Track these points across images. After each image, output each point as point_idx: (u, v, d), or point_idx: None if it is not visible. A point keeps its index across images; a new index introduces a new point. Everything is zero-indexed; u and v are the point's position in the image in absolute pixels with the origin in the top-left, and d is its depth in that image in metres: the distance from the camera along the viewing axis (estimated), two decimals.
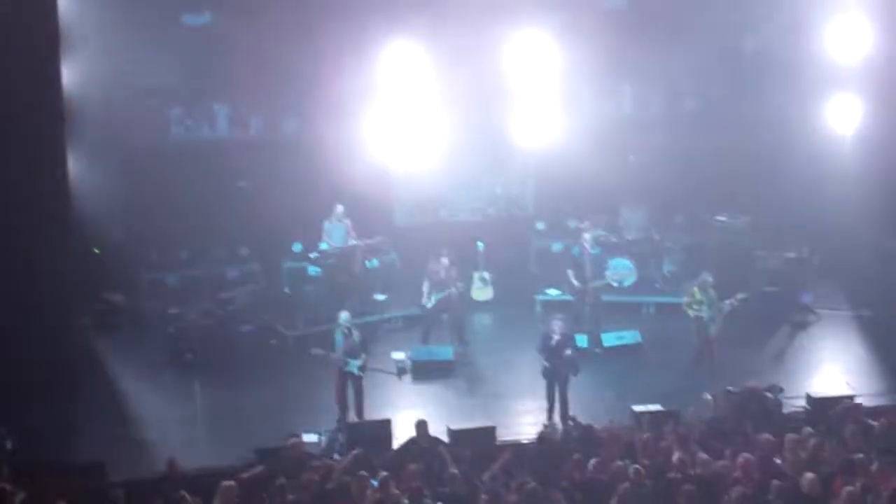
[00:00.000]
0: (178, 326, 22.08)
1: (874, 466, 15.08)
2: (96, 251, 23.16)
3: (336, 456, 17.17)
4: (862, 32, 24.17)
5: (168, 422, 19.38)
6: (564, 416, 19.40)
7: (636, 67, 27.19)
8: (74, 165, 20.74)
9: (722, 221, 24.82)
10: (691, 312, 20.71)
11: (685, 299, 20.90)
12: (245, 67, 24.06)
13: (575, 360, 19.61)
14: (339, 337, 19.20)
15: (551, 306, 23.04)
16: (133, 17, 22.82)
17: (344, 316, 19.41)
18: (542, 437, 17.19)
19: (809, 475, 14.54)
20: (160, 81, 24.74)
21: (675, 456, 15.59)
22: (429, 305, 22.32)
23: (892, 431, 16.70)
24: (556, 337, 19.49)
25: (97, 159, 22.85)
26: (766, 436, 16.12)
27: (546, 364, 19.51)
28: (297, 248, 24.57)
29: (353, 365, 19.06)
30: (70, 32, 20.19)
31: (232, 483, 14.78)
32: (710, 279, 20.61)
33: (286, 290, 24.41)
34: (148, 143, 24.28)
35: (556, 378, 19.55)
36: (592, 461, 15.32)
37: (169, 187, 23.38)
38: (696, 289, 20.76)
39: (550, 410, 19.58)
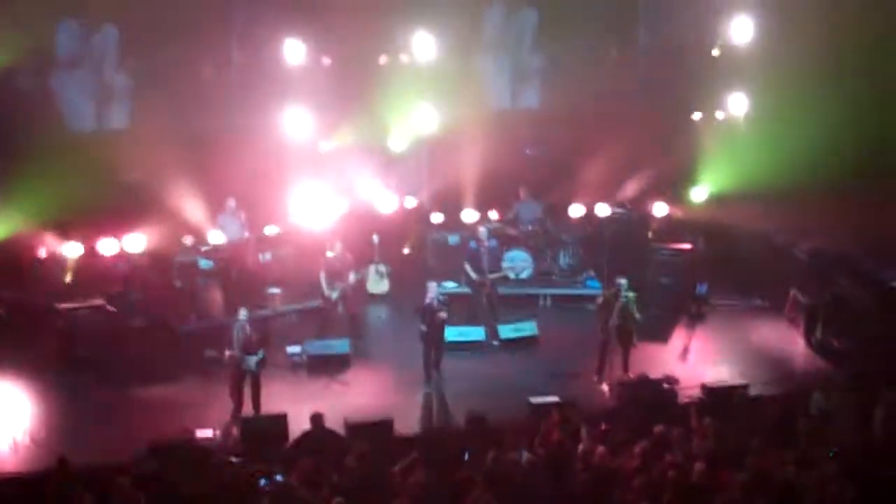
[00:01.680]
0: (68, 322, 21.64)
1: (765, 454, 15.21)
2: None
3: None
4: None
5: (58, 418, 18.99)
6: (432, 377, 20.22)
7: (536, 61, 27.40)
8: None
9: (618, 213, 24.90)
10: (603, 314, 20.36)
11: (599, 300, 20.65)
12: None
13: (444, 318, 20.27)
14: (237, 333, 18.95)
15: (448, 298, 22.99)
16: None
17: (243, 313, 19.18)
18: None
19: (699, 465, 14.65)
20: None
21: (572, 446, 15.67)
22: (333, 296, 22.13)
23: (783, 419, 16.95)
24: (428, 296, 20.08)
25: None
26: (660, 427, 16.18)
27: (422, 328, 20.08)
28: (188, 241, 24.22)
29: (251, 361, 18.83)
30: None
31: (125, 479, 14.57)
32: (625, 282, 20.14)
33: (177, 283, 24.06)
34: (43, 132, 23.79)
35: (430, 341, 20.11)
36: (490, 453, 15.25)
37: (62, 179, 22.86)
38: (609, 293, 20.35)
39: (428, 374, 20.16)
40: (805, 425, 16.61)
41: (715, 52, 26.33)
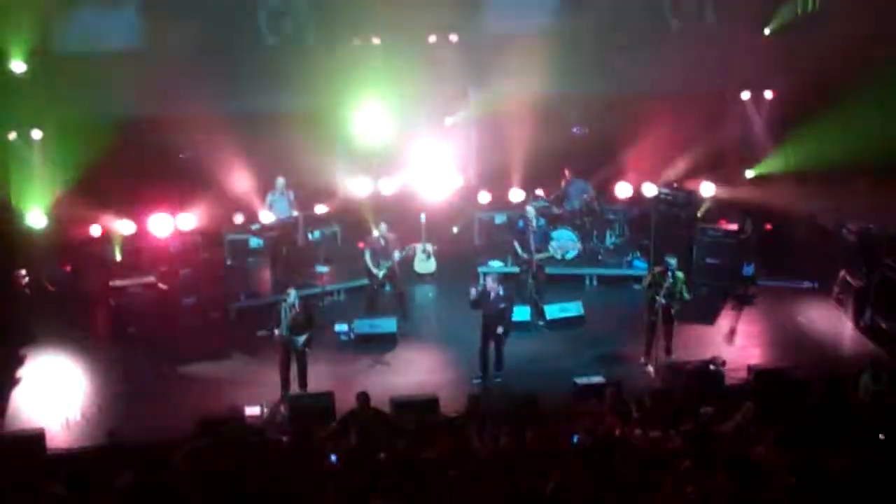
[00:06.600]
0: (119, 299, 21.86)
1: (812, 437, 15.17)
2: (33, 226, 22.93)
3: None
4: None
5: (109, 394, 19.26)
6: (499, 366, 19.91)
7: (579, 44, 27.32)
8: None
9: (665, 193, 24.82)
10: (650, 293, 20.23)
11: (647, 279, 20.64)
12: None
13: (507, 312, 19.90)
14: (285, 313, 19.08)
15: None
16: None
17: (292, 294, 19.28)
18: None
19: (760, 448, 14.63)
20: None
21: (617, 428, 15.68)
22: (380, 275, 22.24)
23: (832, 402, 16.88)
24: (478, 288, 19.88)
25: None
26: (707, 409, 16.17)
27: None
28: (238, 219, 24.41)
29: (299, 341, 18.98)
30: None
31: (178, 456, 14.78)
32: (674, 261, 20.02)
33: (228, 261, 24.27)
34: (90, 114, 23.95)
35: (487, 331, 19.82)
36: (529, 433, 15.30)
37: (111, 159, 23.04)
38: (657, 271, 20.23)
39: (484, 368, 19.86)
40: (854, 408, 16.56)
41: (766, 31, 26.24)
